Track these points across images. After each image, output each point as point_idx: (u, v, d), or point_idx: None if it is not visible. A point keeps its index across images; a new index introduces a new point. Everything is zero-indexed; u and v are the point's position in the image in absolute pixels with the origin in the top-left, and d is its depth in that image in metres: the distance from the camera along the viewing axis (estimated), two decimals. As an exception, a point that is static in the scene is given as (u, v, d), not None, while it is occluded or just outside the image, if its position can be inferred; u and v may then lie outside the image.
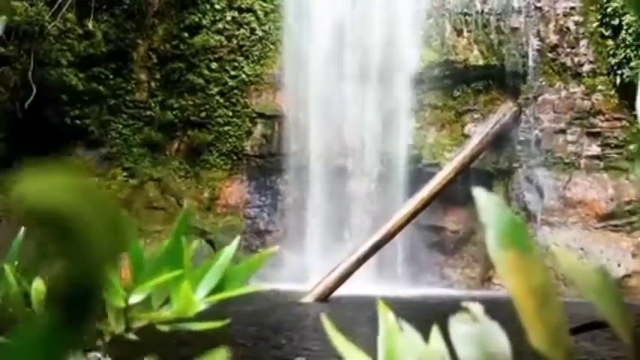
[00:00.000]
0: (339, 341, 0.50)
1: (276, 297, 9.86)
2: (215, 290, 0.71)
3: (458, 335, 0.45)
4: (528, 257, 0.42)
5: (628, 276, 10.75)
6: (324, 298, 9.70)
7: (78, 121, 13.00)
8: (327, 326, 0.52)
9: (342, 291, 9.88)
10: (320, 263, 10.95)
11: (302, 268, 11.82)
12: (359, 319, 7.81)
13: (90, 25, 12.66)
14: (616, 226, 11.32)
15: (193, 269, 0.69)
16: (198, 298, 0.69)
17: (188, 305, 0.67)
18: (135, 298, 0.69)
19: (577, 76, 12.14)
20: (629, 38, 11.54)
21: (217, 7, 13.49)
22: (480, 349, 0.44)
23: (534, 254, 0.43)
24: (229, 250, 0.75)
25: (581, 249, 11.11)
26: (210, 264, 0.72)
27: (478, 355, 0.44)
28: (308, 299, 9.54)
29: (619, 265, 10.81)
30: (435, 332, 0.54)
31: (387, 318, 0.56)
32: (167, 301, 0.70)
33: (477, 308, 0.46)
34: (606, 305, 0.44)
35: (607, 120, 11.92)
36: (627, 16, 11.59)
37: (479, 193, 0.43)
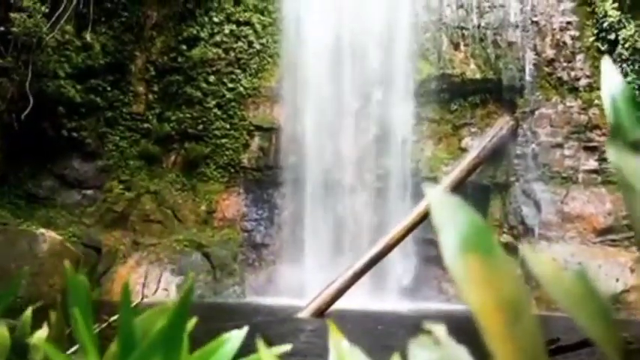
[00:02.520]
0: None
1: (272, 312, 9.78)
2: None
3: None
4: (495, 263, 0.34)
5: (626, 291, 10.70)
6: (321, 313, 9.61)
7: (75, 133, 12.96)
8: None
9: (338, 305, 9.80)
10: (317, 277, 10.88)
11: (298, 282, 11.75)
12: (355, 335, 7.74)
13: (88, 37, 12.66)
14: (614, 240, 11.29)
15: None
16: None
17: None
18: None
19: (574, 90, 12.17)
20: (625, 53, 11.59)
21: (215, 20, 13.53)
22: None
23: (502, 260, 0.35)
24: (235, 336, 0.61)
25: (579, 264, 11.06)
26: (212, 351, 0.59)
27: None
28: (304, 314, 9.45)
29: (617, 280, 10.76)
30: (397, 358, 0.46)
31: (338, 344, 0.48)
32: None
33: (440, 330, 0.39)
34: (589, 320, 0.37)
35: (604, 134, 11.93)
36: (623, 30, 11.65)
37: (430, 190, 0.37)
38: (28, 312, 0.83)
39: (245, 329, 0.63)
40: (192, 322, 0.59)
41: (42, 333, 0.77)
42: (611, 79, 0.44)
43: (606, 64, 0.45)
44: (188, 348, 0.56)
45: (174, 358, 0.54)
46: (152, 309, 0.60)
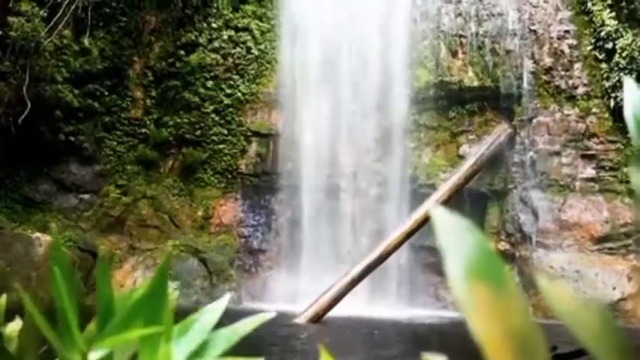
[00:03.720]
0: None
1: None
2: (194, 355, 0.57)
3: None
4: (504, 293, 0.32)
5: (623, 299, 10.69)
6: (317, 319, 9.58)
7: (72, 138, 12.94)
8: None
9: (335, 312, 9.77)
10: (313, 283, 10.85)
11: (295, 288, 11.73)
12: (351, 341, 7.72)
13: (86, 41, 12.66)
14: (611, 249, 11.29)
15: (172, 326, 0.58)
16: None
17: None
18: (95, 355, 0.55)
19: (571, 98, 12.20)
20: (622, 62, 11.63)
21: (214, 25, 13.54)
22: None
23: (511, 289, 0.33)
24: (216, 308, 0.61)
25: (577, 272, 11.06)
26: (192, 321, 0.59)
27: None
28: (300, 320, 9.42)
29: (614, 289, 10.75)
30: None
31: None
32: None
33: None
34: (609, 356, 0.34)
35: (601, 143, 11.95)
36: (621, 40, 11.69)
37: (435, 211, 0.34)
38: (2, 300, 0.81)
39: (226, 298, 0.65)
40: (175, 292, 0.60)
41: (16, 324, 0.75)
42: (634, 98, 0.42)
43: (629, 83, 0.43)
44: (171, 318, 0.55)
45: (156, 323, 0.53)
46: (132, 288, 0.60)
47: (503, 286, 0.32)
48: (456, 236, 0.33)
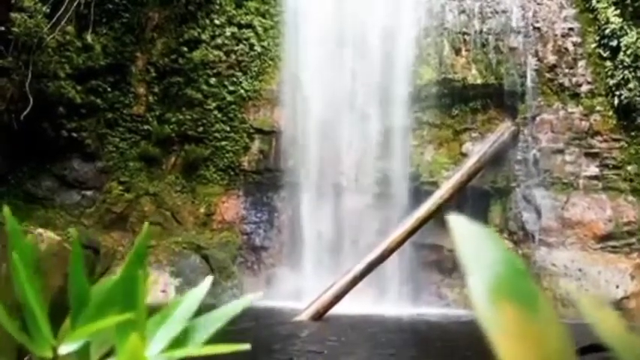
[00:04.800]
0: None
1: (269, 315, 9.74)
2: (174, 344, 0.53)
3: None
4: (535, 314, 0.29)
5: (626, 298, 10.66)
6: (319, 316, 9.56)
7: (74, 134, 12.94)
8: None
9: (337, 309, 9.76)
10: (315, 281, 10.84)
11: (297, 285, 11.72)
12: (353, 339, 7.70)
13: (89, 38, 12.65)
14: (614, 247, 11.25)
15: (149, 314, 0.54)
16: (151, 353, 0.51)
17: (136, 362, 0.49)
18: (67, 348, 0.51)
19: (575, 96, 12.15)
20: (627, 60, 11.57)
21: (217, 22, 13.52)
22: None
23: (544, 309, 0.29)
24: (196, 293, 0.57)
25: (580, 270, 11.03)
26: (171, 309, 0.55)
27: None
28: (302, 317, 9.41)
29: (617, 287, 10.72)
30: None
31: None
32: (111, 353, 0.52)
33: None
34: None
35: (605, 141, 11.90)
36: (625, 37, 11.63)
37: (454, 219, 0.30)
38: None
39: (207, 282, 0.60)
40: (151, 278, 0.56)
41: None
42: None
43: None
44: (144, 305, 0.51)
45: (134, 307, 0.49)
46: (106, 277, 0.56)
47: (535, 308, 0.29)
48: (478, 249, 0.29)
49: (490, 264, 0.29)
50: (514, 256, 0.30)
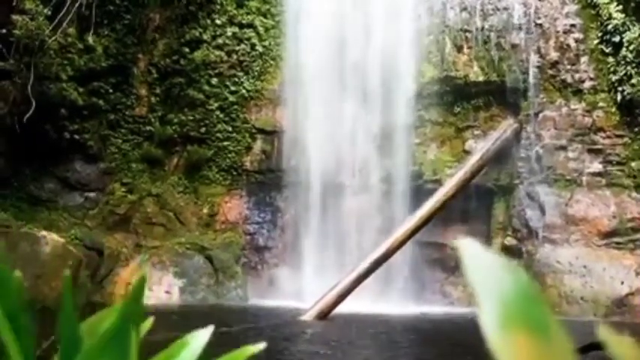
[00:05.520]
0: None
1: (274, 315, 9.74)
2: None
3: None
4: (550, 345, 0.27)
5: (631, 294, 10.62)
6: (324, 316, 9.56)
7: (77, 136, 12.94)
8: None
9: (341, 309, 9.75)
10: (319, 280, 10.83)
11: (301, 285, 11.71)
12: (359, 338, 7.69)
13: (90, 39, 12.65)
14: (619, 243, 11.21)
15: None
16: None
17: None
18: None
19: (578, 92, 12.11)
20: (629, 55, 11.53)
21: (218, 22, 13.51)
22: None
23: (559, 339, 0.28)
24: (196, 344, 0.52)
25: (584, 267, 10.99)
26: (171, 357, 0.51)
27: None
28: (307, 317, 9.40)
29: (622, 283, 10.68)
30: None
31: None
32: None
33: None
34: None
35: (608, 137, 11.86)
36: (628, 33, 11.59)
37: (464, 244, 0.29)
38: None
39: (209, 330, 0.55)
40: (147, 324, 0.52)
41: None
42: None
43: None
44: (139, 352, 0.47)
45: (124, 357, 0.45)
46: (100, 312, 0.53)
47: (549, 336, 0.27)
48: (490, 275, 0.28)
49: (502, 291, 0.27)
50: (527, 283, 0.29)
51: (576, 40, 12.23)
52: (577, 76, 12.12)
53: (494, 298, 0.27)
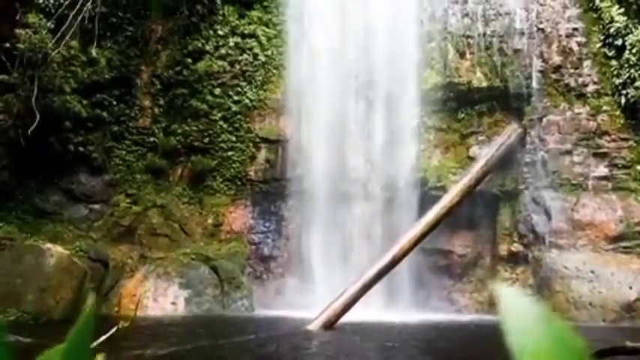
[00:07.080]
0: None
1: (280, 324, 9.68)
2: None
3: None
4: None
5: (640, 299, 10.52)
6: (330, 325, 9.49)
7: (81, 148, 12.97)
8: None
9: (348, 317, 9.69)
10: (325, 289, 10.77)
11: (307, 294, 11.65)
12: (366, 347, 7.63)
13: (93, 52, 12.70)
14: (626, 247, 11.13)
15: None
16: None
17: None
18: None
19: (581, 96, 12.07)
20: (632, 58, 11.49)
21: (220, 33, 13.55)
22: None
23: None
24: None
25: (592, 272, 10.91)
26: None
27: None
28: (314, 326, 9.33)
29: (630, 288, 10.59)
30: None
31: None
32: None
33: None
34: None
35: (613, 140, 11.81)
36: (630, 36, 11.56)
37: (504, 294, 0.27)
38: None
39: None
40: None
41: None
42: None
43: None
44: None
45: None
46: (50, 350, 0.47)
47: None
48: (527, 325, 0.26)
49: (541, 341, 0.26)
50: (565, 330, 0.27)
51: (579, 44, 12.21)
52: (580, 79, 12.09)
53: (532, 349, 0.26)
